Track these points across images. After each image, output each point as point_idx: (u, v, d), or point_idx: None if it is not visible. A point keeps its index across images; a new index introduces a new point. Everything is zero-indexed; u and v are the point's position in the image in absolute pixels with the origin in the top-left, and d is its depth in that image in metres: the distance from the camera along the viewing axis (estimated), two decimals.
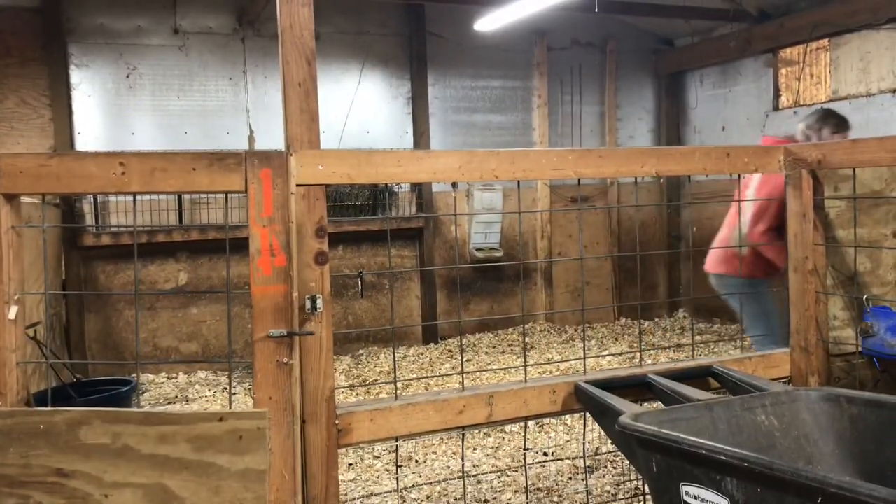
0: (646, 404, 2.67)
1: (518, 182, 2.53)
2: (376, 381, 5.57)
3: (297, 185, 2.27)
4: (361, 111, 6.67)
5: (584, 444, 2.86)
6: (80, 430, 1.89)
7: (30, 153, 1.94)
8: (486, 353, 6.34)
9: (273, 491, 1.93)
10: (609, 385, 2.59)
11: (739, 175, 2.79)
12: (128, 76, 6.00)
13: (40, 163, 1.92)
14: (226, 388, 5.50)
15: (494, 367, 5.72)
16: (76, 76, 5.86)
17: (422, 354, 6.37)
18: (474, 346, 6.56)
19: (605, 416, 2.45)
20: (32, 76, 5.72)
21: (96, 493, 1.88)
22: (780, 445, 2.30)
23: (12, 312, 1.93)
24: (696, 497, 1.92)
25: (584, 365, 2.75)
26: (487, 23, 6.47)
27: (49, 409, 1.93)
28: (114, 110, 5.97)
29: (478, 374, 5.06)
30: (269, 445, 1.90)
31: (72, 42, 5.84)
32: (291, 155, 2.10)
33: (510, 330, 7.02)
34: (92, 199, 5.80)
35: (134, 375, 4.58)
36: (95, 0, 5.89)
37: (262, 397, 1.94)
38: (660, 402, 2.66)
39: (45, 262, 2.25)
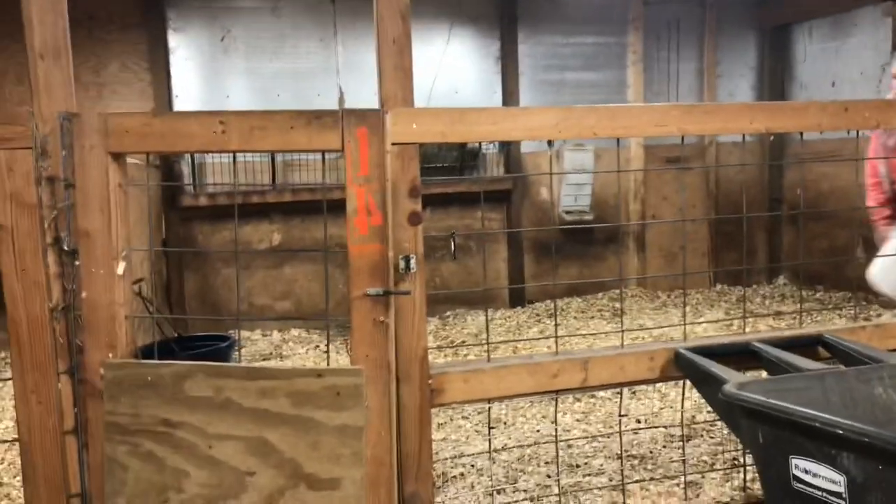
0: (749, 373, 2.55)
1: (618, 140, 2.43)
2: (464, 342, 5.58)
3: (393, 144, 2.25)
4: (449, 71, 6.59)
5: (681, 412, 2.77)
6: (186, 382, 1.95)
7: (135, 112, 1.99)
8: (575, 317, 6.25)
9: (370, 447, 1.95)
10: (710, 352, 2.49)
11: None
12: (222, 39, 6.11)
13: (145, 122, 1.96)
14: (318, 346, 5.64)
15: (584, 332, 5.63)
16: (174, 40, 6.02)
17: (509, 318, 6.34)
18: (563, 310, 6.48)
19: (707, 385, 2.36)
20: (133, 41, 5.91)
21: (201, 443, 1.94)
22: None
23: (121, 268, 2.00)
24: (807, 471, 1.83)
25: (685, 331, 2.65)
26: None
27: (156, 361, 2.00)
28: (209, 73, 6.11)
29: (568, 339, 4.99)
30: (366, 402, 1.91)
31: (169, 7, 5.99)
32: (387, 113, 2.07)
33: (600, 295, 6.89)
34: (190, 161, 5.98)
35: (232, 332, 4.75)
36: None
37: (359, 355, 1.96)
38: (764, 372, 2.55)
39: (150, 220, 2.32)
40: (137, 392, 1.96)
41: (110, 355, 1.98)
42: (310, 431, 1.91)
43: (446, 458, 3.34)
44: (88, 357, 1.98)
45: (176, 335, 4.12)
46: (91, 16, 5.78)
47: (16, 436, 2.08)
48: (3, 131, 1.98)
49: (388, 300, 1.98)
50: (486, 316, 2.58)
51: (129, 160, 2.38)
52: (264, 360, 5.36)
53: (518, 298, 6.75)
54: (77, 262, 1.97)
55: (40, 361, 2.01)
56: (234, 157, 2.08)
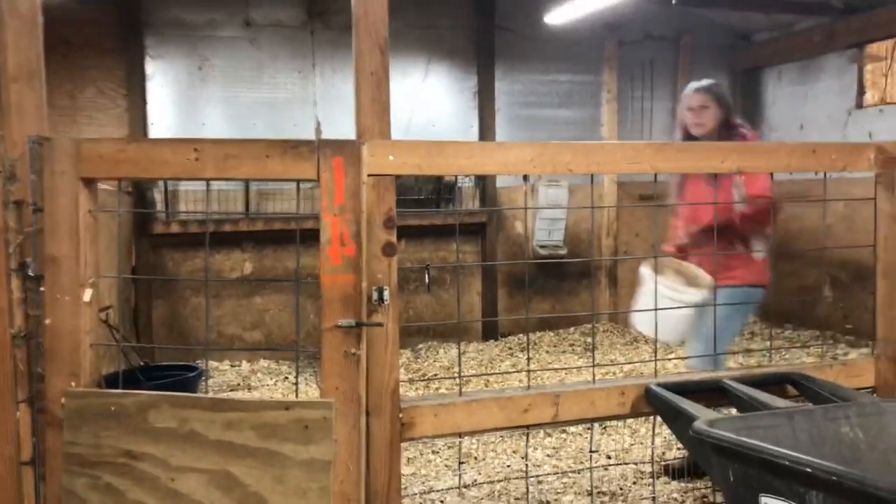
0: (720, 410, 2.56)
1: (592, 176, 2.45)
2: (436, 375, 5.54)
3: (368, 175, 2.24)
4: (427, 105, 6.65)
5: (652, 448, 2.77)
6: (150, 413, 1.91)
7: (108, 138, 1.98)
8: (547, 351, 6.25)
9: (338, 482, 1.91)
10: (682, 389, 2.49)
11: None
12: (200, 68, 6.11)
13: (118, 148, 1.94)
14: (287, 377, 5.56)
15: (557, 367, 5.62)
16: (151, 67, 6.00)
17: (481, 351, 6.32)
18: (535, 344, 6.48)
19: (678, 421, 2.36)
20: (110, 67, 5.88)
21: (163, 476, 1.89)
22: (866, 459, 2.16)
23: (87, 295, 1.96)
24: None
25: (656, 367, 2.66)
26: (558, 16, 6.36)
27: (120, 391, 1.95)
28: (186, 101, 6.10)
29: (539, 373, 4.97)
30: (335, 436, 1.88)
31: (148, 34, 5.98)
32: (363, 144, 2.07)
33: (572, 329, 6.90)
34: (163, 188, 5.93)
35: (200, 361, 4.67)
36: None
37: (328, 387, 1.93)
38: (734, 409, 2.55)
39: (119, 247, 2.28)
40: (99, 422, 1.91)
41: (73, 384, 1.93)
42: (276, 465, 1.87)
43: (415, 494, 3.29)
44: (50, 385, 1.93)
45: (142, 364, 4.04)
46: (67, 41, 5.75)
47: None
48: None
49: (360, 332, 1.97)
50: (459, 349, 2.57)
51: (101, 186, 2.36)
52: (232, 390, 5.27)
53: (491, 332, 6.74)
54: (42, 288, 1.93)
55: (0, 389, 1.96)
56: (208, 185, 2.06)
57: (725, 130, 3.57)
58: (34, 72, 1.99)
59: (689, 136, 3.66)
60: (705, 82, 3.67)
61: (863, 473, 1.63)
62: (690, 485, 3.33)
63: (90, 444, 1.91)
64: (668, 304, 2.98)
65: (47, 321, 1.92)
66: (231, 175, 1.96)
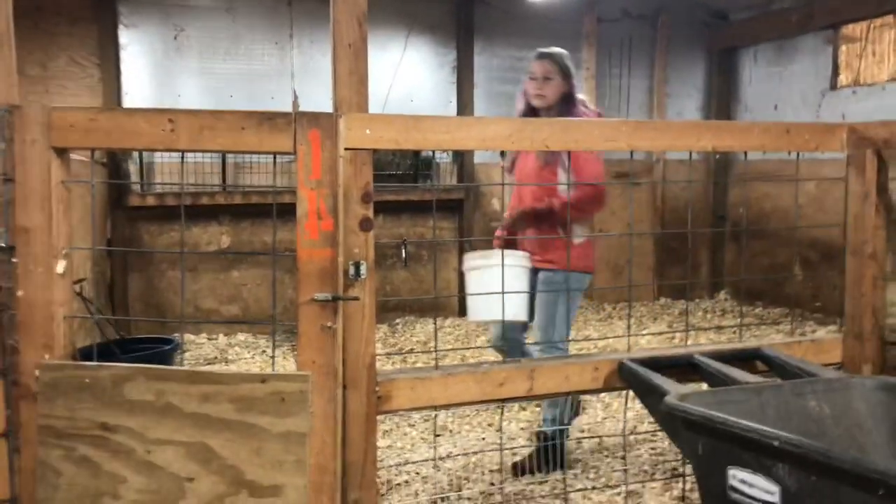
0: (691, 385, 2.61)
1: (569, 154, 2.46)
2: (413, 350, 5.57)
3: (346, 149, 2.24)
4: (406, 79, 6.60)
5: (623, 422, 2.82)
6: (125, 385, 1.90)
7: (80, 107, 1.93)
8: None
9: (314, 454, 1.93)
10: (654, 364, 2.53)
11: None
12: (175, 38, 6.01)
13: (90, 117, 1.91)
14: (265, 351, 5.56)
15: (533, 342, 5.67)
16: (125, 36, 5.89)
17: (458, 326, 6.35)
18: None
19: (650, 396, 2.40)
20: (82, 35, 5.77)
21: (139, 448, 1.89)
22: (832, 433, 2.23)
23: (60, 267, 1.94)
24: (743, 482, 1.87)
25: (629, 342, 2.69)
26: None
27: (95, 363, 1.94)
28: (161, 72, 6.00)
29: None
30: (312, 409, 1.89)
31: (121, 1, 5.86)
32: (340, 117, 2.06)
33: None
34: (138, 160, 5.86)
35: (176, 335, 4.65)
36: None
37: (305, 360, 1.94)
38: (705, 384, 2.60)
39: (93, 218, 2.26)
40: (74, 395, 1.90)
41: (46, 356, 1.92)
42: (253, 437, 1.88)
43: (391, 466, 3.32)
44: (23, 358, 1.92)
45: (118, 337, 4.02)
46: (38, 6, 5.62)
47: None
48: None
49: (337, 306, 1.97)
50: (435, 324, 2.58)
51: (74, 157, 2.32)
52: (209, 364, 5.25)
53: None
54: (14, 260, 1.90)
55: None
56: (183, 157, 2.04)
57: (566, 105, 3.34)
58: (3, 38, 1.94)
59: (530, 108, 3.40)
60: (551, 49, 3.40)
61: (827, 447, 1.67)
62: (660, 458, 3.40)
63: (65, 416, 1.90)
64: (501, 275, 2.81)
65: (20, 293, 1.90)
66: (206, 147, 1.93)
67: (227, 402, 1.88)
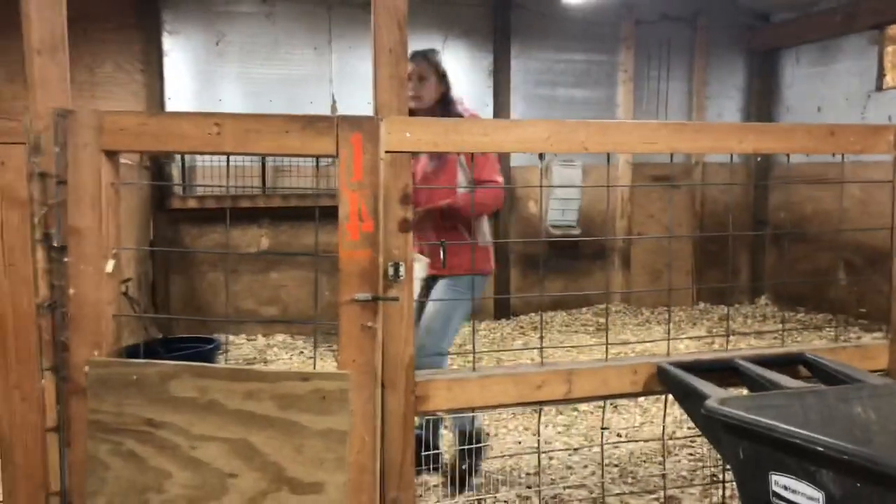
0: (731, 389, 2.58)
1: (608, 155, 2.45)
2: (449, 352, 5.57)
3: (386, 152, 2.26)
4: None
5: (663, 426, 2.79)
6: (171, 382, 1.95)
7: (130, 111, 1.99)
8: (559, 331, 6.28)
9: (354, 452, 1.95)
10: (693, 367, 2.51)
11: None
12: (217, 43, 6.12)
13: (140, 121, 1.96)
14: (302, 352, 5.62)
15: (568, 346, 5.65)
16: (168, 42, 6.02)
17: (493, 329, 6.35)
18: (547, 323, 6.50)
19: (689, 400, 2.38)
20: (127, 42, 5.91)
21: (184, 444, 1.94)
22: (877, 440, 2.18)
23: (109, 266, 2.00)
24: (786, 488, 1.85)
25: (668, 345, 2.67)
26: None
27: (142, 360, 1.99)
28: (202, 77, 6.12)
29: (551, 351, 5.00)
30: (351, 407, 1.91)
31: (165, 9, 5.99)
32: (381, 121, 2.08)
33: (584, 309, 6.92)
34: (180, 163, 5.97)
35: (217, 335, 4.73)
36: None
37: (345, 359, 1.96)
38: (745, 388, 2.57)
39: (137, 220, 2.31)
40: (122, 391, 1.96)
41: (96, 353, 1.98)
42: (294, 435, 1.91)
43: (430, 467, 3.34)
44: (74, 354, 1.98)
45: (160, 336, 4.10)
46: (87, 14, 5.77)
47: None
48: None
49: (377, 306, 1.99)
50: (473, 326, 2.59)
51: (121, 160, 2.38)
52: (248, 364, 5.33)
53: (503, 310, 6.77)
54: (66, 259, 1.96)
55: (25, 357, 2.00)
56: (228, 160, 2.09)
57: (444, 107, 3.20)
58: (57, 44, 2.01)
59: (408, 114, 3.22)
60: (424, 49, 3.26)
61: (873, 452, 1.64)
62: (699, 464, 3.36)
63: (113, 411, 1.95)
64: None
65: (71, 291, 1.96)
66: (251, 150, 1.97)
67: (269, 400, 1.92)
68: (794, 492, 1.82)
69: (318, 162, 2.12)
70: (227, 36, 6.13)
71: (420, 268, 2.83)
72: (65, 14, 2.00)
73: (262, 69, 6.22)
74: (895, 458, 1.56)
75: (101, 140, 1.95)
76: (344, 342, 1.97)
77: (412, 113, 3.09)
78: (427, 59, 3.22)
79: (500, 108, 6.71)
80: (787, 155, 2.60)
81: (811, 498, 1.77)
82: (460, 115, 3.19)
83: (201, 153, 2.12)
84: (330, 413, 1.90)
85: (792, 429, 1.82)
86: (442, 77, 3.23)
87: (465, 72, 6.73)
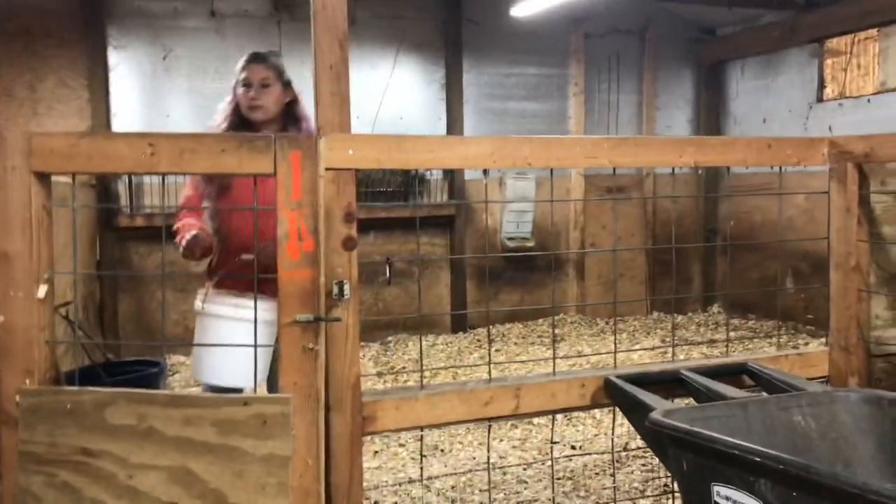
0: (678, 401, 2.60)
1: (551, 170, 2.47)
2: (404, 368, 5.55)
3: (327, 169, 2.24)
4: (395, 97, 6.63)
5: (612, 439, 2.81)
6: (107, 410, 1.89)
7: (61, 132, 1.94)
8: (516, 343, 6.29)
9: (296, 477, 1.91)
10: (640, 380, 2.53)
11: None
12: (164, 58, 6.03)
13: (71, 142, 1.90)
14: None
15: (523, 359, 5.67)
16: (114, 58, 5.91)
17: (450, 343, 6.34)
18: (503, 336, 6.52)
19: (636, 412, 2.39)
20: (71, 57, 5.78)
21: (121, 473, 1.88)
22: (818, 448, 2.22)
23: (41, 291, 1.93)
24: (727, 498, 1.87)
25: (615, 359, 2.69)
26: (524, 8, 6.38)
27: (76, 388, 1.93)
28: (150, 92, 6.02)
29: (506, 365, 5.01)
30: (294, 431, 1.88)
31: (110, 24, 5.89)
32: (321, 138, 2.06)
33: (540, 321, 6.96)
34: (126, 181, 5.86)
35: (168, 356, 4.63)
36: None
37: (286, 382, 1.92)
38: (692, 399, 2.60)
39: (74, 242, 2.24)
40: (55, 420, 1.89)
41: (27, 381, 1.90)
42: (235, 461, 1.86)
43: (380, 486, 3.30)
44: (3, 383, 1.90)
45: (105, 360, 4.00)
46: (27, 29, 5.63)
47: None
48: None
49: (318, 327, 1.95)
50: (421, 342, 2.58)
51: (61, 179, 2.32)
52: (198, 385, 5.22)
53: (460, 324, 6.77)
54: None
55: None
56: (164, 180, 2.04)
57: (293, 119, 2.84)
58: None
59: (241, 122, 2.79)
60: (265, 51, 2.91)
61: (807, 462, 1.67)
62: (651, 475, 3.39)
63: (46, 442, 1.88)
64: (231, 329, 2.44)
65: (0, 318, 1.89)
66: (187, 170, 1.93)
67: (209, 426, 1.86)
68: (734, 502, 1.84)
69: (255, 180, 2.08)
70: (175, 50, 6.05)
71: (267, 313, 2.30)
72: None
73: (213, 84, 6.14)
74: (826, 468, 1.59)
75: (30, 162, 1.89)
76: (285, 365, 1.92)
77: (252, 125, 2.81)
78: (269, 62, 2.82)
79: (453, 121, 6.73)
80: (728, 168, 2.65)
81: None
82: (309, 132, 2.72)
83: (136, 174, 2.06)
84: (271, 438, 1.85)
85: (730, 439, 1.84)
86: (286, 85, 2.84)
87: (417, 86, 6.74)
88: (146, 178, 5.88)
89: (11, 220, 1.90)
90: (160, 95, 6.04)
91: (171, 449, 1.88)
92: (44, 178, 1.96)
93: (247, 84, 2.80)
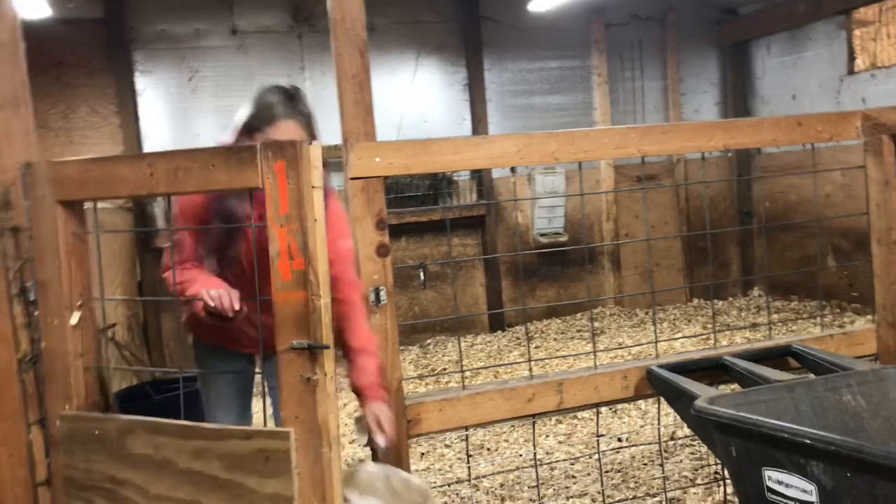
0: (722, 387, 2.58)
1: (579, 164, 2.47)
2: (444, 370, 5.57)
3: (354, 179, 2.27)
4: (418, 101, 6.66)
5: (658, 429, 2.79)
6: (128, 438, 1.84)
7: (72, 159, 1.94)
8: (555, 339, 6.27)
9: None
10: (683, 368, 2.51)
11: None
12: (190, 79, 6.13)
13: (82, 168, 1.89)
14: None
15: (563, 354, 5.64)
16: (141, 82, 6.02)
17: (489, 342, 6.34)
18: (542, 332, 6.50)
19: (680, 401, 2.38)
20: (100, 85, 5.91)
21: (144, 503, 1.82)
22: (870, 427, 2.18)
23: (74, 318, 1.94)
24: (780, 482, 1.84)
25: (657, 348, 2.67)
26: (542, 3, 6.35)
27: (101, 415, 1.91)
28: (178, 113, 6.12)
29: (547, 361, 4.99)
30: (297, 469, 1.68)
31: (135, 49, 6.00)
32: (311, 144, 1.71)
33: (578, 315, 6.92)
34: (163, 202, 5.96)
35: None
36: (156, 7, 6.03)
37: (288, 416, 1.70)
38: (737, 385, 2.57)
39: (99, 268, 2.13)
40: (88, 446, 1.87)
41: (66, 407, 1.93)
42: (242, 499, 1.71)
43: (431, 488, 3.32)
44: (49, 408, 1.95)
45: (152, 379, 4.07)
46: (59, 62, 5.77)
47: None
48: None
49: (317, 354, 1.68)
50: (459, 343, 2.59)
51: (101, 204, 2.33)
52: None
53: (498, 323, 6.76)
54: (36, 313, 1.95)
55: (9, 412, 1.97)
56: (169, 201, 1.99)
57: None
58: (20, 98, 2.00)
59: None
60: (300, 106, 2.38)
61: (859, 442, 1.65)
62: (701, 462, 3.36)
63: (82, 467, 1.87)
64: None
65: (43, 345, 1.94)
66: (182, 189, 1.80)
67: (216, 460, 1.74)
68: (787, 486, 1.82)
69: (251, 195, 1.79)
70: (201, 71, 6.15)
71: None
72: (24, 69, 2.00)
73: (238, 101, 6.18)
74: (879, 446, 1.56)
75: (56, 191, 1.91)
76: (285, 396, 1.70)
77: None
78: (302, 119, 2.34)
79: (477, 121, 6.73)
80: (759, 149, 2.61)
81: (804, 490, 1.77)
82: (333, 199, 2.36)
83: (139, 196, 1.92)
84: (274, 475, 1.68)
85: (779, 423, 1.82)
86: (314, 139, 2.36)
87: (439, 88, 6.75)
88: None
89: (45, 248, 1.93)
90: (188, 116, 6.15)
91: (185, 482, 1.79)
92: (71, 205, 1.97)
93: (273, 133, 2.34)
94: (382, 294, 2.28)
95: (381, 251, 2.30)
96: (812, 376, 2.46)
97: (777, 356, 2.63)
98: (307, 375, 1.67)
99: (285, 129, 2.30)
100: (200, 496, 1.75)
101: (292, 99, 2.36)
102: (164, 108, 6.10)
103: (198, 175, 1.75)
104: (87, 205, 2.03)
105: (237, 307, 2.12)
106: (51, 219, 1.90)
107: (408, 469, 2.29)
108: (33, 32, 2.02)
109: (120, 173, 1.84)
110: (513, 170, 2.41)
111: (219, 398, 2.58)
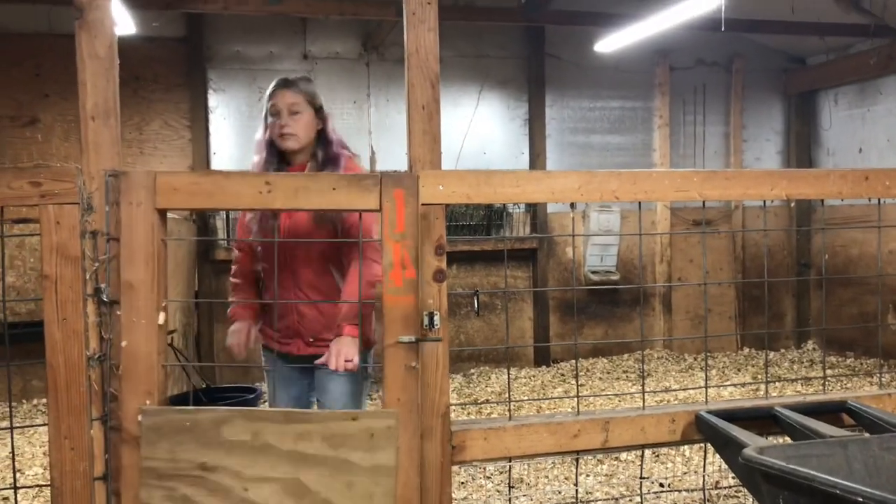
0: (771, 438, 2.54)
1: (639, 203, 2.48)
2: (488, 400, 5.57)
3: (421, 205, 2.33)
4: (478, 133, 6.75)
5: (703, 476, 2.75)
6: (223, 427, 2.02)
7: (184, 172, 2.11)
8: (600, 378, 6.22)
9: (400, 486, 2.04)
10: (732, 416, 2.48)
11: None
12: (260, 100, 6.33)
13: (192, 181, 2.06)
14: None
15: (609, 393, 5.59)
16: (213, 100, 6.26)
17: (533, 377, 6.32)
18: (588, 370, 6.45)
19: (728, 448, 2.35)
20: (175, 100, 6.17)
21: (237, 486, 1.99)
22: None
23: (161, 318, 2.08)
24: None
25: (706, 394, 2.65)
26: (608, 44, 6.41)
27: (194, 408, 2.07)
28: (247, 132, 6.32)
29: (591, 398, 4.95)
30: (398, 444, 2.02)
31: (210, 68, 6.25)
32: (420, 177, 2.16)
33: (625, 356, 6.85)
34: (224, 216, 6.15)
35: (258, 384, 4.80)
36: (233, 28, 6.28)
37: (391, 399, 2.07)
38: (786, 437, 2.53)
39: (185, 271, 2.41)
40: (174, 437, 2.02)
41: (148, 402, 2.04)
42: (344, 472, 1.99)
43: None
44: (125, 404, 2.05)
45: (204, 385, 4.18)
46: (137, 76, 6.05)
47: (42, 481, 2.14)
48: (53, 187, 2.09)
49: (418, 347, 2.11)
50: (508, 374, 2.61)
51: (170, 215, 2.48)
52: None
53: (543, 357, 6.74)
54: (118, 313, 2.05)
55: (75, 407, 2.08)
56: (276, 216, 2.19)
57: (324, 146, 2.75)
58: (110, 110, 2.13)
59: (273, 154, 2.75)
60: (295, 76, 2.79)
61: None
62: None
63: (166, 458, 2.01)
64: None
65: (123, 343, 2.04)
66: (301, 206, 2.10)
67: (320, 440, 2.01)
68: None
69: (360, 215, 2.19)
70: None
71: None
72: (117, 82, 2.12)
73: None
74: None
75: (154, 199, 2.05)
76: (389, 382, 2.08)
77: (281, 157, 2.79)
78: (299, 87, 2.71)
79: (536, 156, 6.79)
80: (822, 200, 2.59)
81: None
82: (343, 157, 2.76)
83: (252, 210, 2.26)
84: (378, 450, 2.00)
85: (830, 479, 1.79)
86: (318, 110, 2.76)
87: (500, 121, 6.84)
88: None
89: (136, 252, 2.06)
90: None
91: (283, 462, 2.01)
92: (163, 213, 2.12)
93: (275, 112, 2.71)
94: (436, 319, 2.32)
95: (438, 276, 2.35)
96: (867, 435, 2.41)
97: (831, 411, 2.57)
98: (411, 364, 2.09)
99: (281, 97, 2.71)
100: (300, 473, 2.01)
101: (288, 78, 2.79)
102: (234, 126, 6.31)
103: (317, 195, 2.08)
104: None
105: (244, 347, 2.84)
106: (146, 225, 2.05)
107: (449, 498, 2.31)
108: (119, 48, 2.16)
109: (234, 189, 2.07)
110: (572, 205, 2.44)
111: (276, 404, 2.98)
